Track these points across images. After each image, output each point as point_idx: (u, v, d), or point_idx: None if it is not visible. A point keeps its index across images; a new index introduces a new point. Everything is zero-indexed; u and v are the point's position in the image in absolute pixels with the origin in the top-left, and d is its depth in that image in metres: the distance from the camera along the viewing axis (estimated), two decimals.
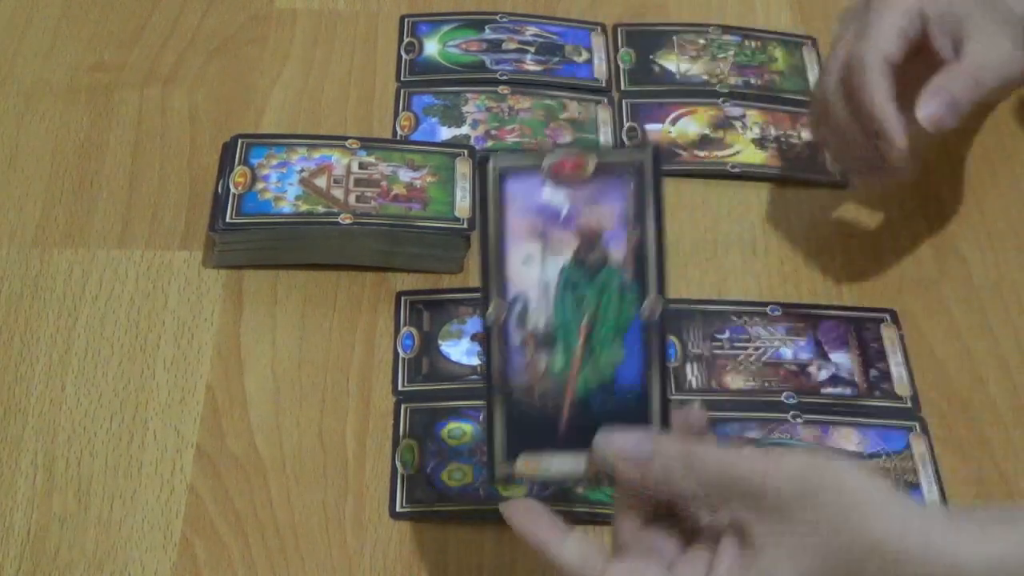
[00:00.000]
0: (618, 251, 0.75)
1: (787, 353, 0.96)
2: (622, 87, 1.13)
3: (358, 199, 1.00)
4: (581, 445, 0.75)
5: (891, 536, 0.68)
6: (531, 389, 0.75)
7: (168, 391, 0.92)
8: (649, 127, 1.10)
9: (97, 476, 0.87)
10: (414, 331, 0.96)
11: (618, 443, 0.74)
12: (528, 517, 0.74)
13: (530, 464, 0.75)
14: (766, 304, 0.98)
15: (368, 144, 1.04)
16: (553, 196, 0.75)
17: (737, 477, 0.70)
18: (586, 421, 0.75)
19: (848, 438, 0.91)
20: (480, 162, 0.76)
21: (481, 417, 0.85)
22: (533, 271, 0.75)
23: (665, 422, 0.75)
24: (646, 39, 1.17)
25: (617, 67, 1.15)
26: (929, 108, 0.89)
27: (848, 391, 0.94)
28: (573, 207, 0.75)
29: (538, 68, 1.14)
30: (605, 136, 1.09)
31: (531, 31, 1.17)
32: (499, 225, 0.75)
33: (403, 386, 0.93)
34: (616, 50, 1.16)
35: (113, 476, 0.87)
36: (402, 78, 1.13)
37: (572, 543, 0.73)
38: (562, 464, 0.75)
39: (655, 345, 0.75)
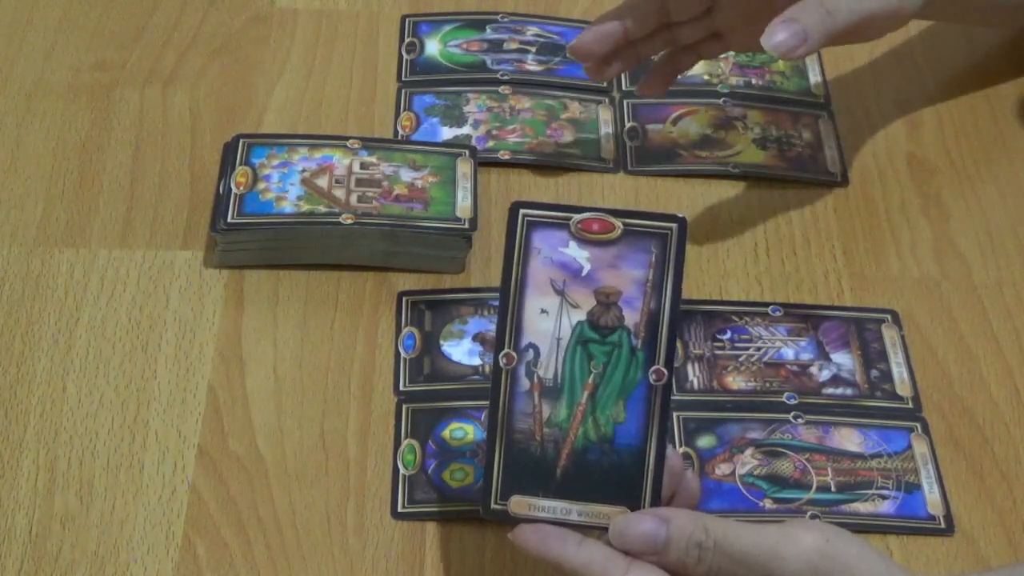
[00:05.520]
0: (632, 315, 0.77)
1: (788, 353, 0.96)
2: (623, 87, 1.13)
3: (359, 199, 1.00)
4: (574, 494, 0.76)
5: None
6: (532, 434, 0.77)
7: (170, 391, 0.92)
8: (650, 127, 1.10)
9: (99, 476, 0.87)
10: (415, 331, 0.96)
11: (633, 532, 0.74)
12: (537, 537, 0.75)
13: (522, 505, 0.77)
14: (767, 304, 0.99)
15: (369, 144, 1.04)
16: (577, 253, 0.77)
17: (753, 564, 0.72)
18: (582, 472, 0.77)
19: (849, 438, 0.91)
20: (511, 209, 0.78)
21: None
22: (548, 323, 0.77)
23: (658, 481, 0.76)
24: None
25: None
26: (778, 37, 0.90)
27: (849, 391, 0.94)
28: (595, 267, 0.77)
29: (539, 68, 1.14)
30: (606, 135, 1.09)
31: (532, 31, 1.17)
32: (521, 274, 0.77)
33: (404, 386, 0.93)
34: None
35: (115, 476, 0.87)
36: (403, 78, 1.13)
37: (588, 548, 0.74)
38: (554, 510, 0.77)
39: (657, 410, 0.77)
